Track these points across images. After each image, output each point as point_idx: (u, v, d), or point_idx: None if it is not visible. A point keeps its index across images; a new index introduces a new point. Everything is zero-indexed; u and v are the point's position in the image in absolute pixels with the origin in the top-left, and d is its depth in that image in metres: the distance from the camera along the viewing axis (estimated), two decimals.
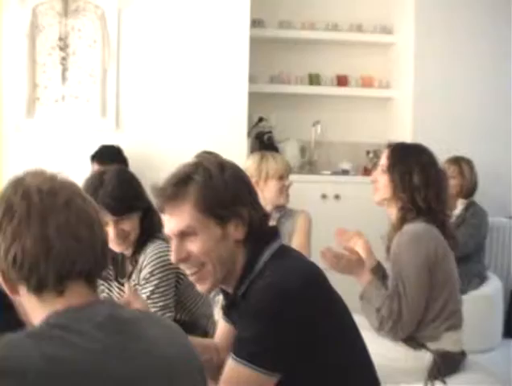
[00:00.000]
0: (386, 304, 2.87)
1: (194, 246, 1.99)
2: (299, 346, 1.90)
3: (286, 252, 2.08)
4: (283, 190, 4.07)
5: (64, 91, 5.36)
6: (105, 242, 1.56)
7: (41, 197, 1.48)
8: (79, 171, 5.07)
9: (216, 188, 1.98)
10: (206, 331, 2.99)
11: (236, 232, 2.00)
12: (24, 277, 1.48)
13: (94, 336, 1.43)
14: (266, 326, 1.89)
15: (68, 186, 1.54)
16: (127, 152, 5.18)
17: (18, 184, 1.52)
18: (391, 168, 3.03)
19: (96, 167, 5.05)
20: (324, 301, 1.99)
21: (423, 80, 5.81)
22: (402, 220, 2.98)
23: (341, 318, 2.06)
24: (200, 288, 2.08)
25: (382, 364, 2.37)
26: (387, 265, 3.10)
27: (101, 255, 1.53)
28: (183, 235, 2.00)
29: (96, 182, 2.84)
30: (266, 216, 2.09)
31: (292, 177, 4.30)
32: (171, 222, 2.01)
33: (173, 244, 2.03)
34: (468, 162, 5.15)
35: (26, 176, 1.54)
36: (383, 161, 3.10)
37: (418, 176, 2.97)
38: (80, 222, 1.49)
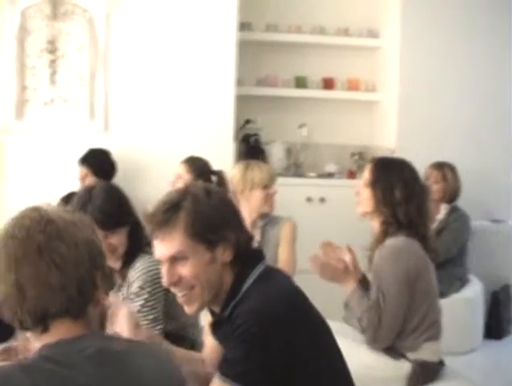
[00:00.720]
0: (365, 315, 2.97)
1: (185, 270, 2.09)
2: (281, 366, 1.99)
3: (270, 273, 2.17)
4: (268, 199, 4.13)
5: (53, 93, 5.41)
6: (82, 279, 1.62)
7: (16, 245, 1.57)
8: (67, 174, 5.22)
9: (205, 214, 2.07)
10: (194, 340, 3.07)
11: (224, 255, 2.09)
12: (8, 318, 1.57)
13: (84, 369, 1.52)
14: (250, 348, 1.98)
15: (46, 229, 1.60)
16: (115, 155, 5.25)
17: (2, 232, 1.60)
18: (374, 183, 3.11)
19: (84, 170, 5.11)
20: (305, 323, 2.09)
21: (408, 83, 5.87)
22: (384, 234, 3.07)
23: (320, 335, 2.17)
24: (188, 309, 2.18)
25: (362, 373, 2.47)
26: (369, 276, 3.18)
27: (76, 294, 1.60)
28: (174, 259, 2.09)
29: (85, 198, 2.92)
30: (250, 239, 2.18)
31: (278, 180, 4.38)
32: (163, 247, 2.11)
33: (164, 268, 2.13)
34: (452, 168, 5.23)
35: (11, 221, 1.62)
36: (366, 175, 3.18)
37: (400, 191, 3.05)
38: (51, 268, 1.57)
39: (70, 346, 1.56)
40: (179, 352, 2.38)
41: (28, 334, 1.65)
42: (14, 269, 1.56)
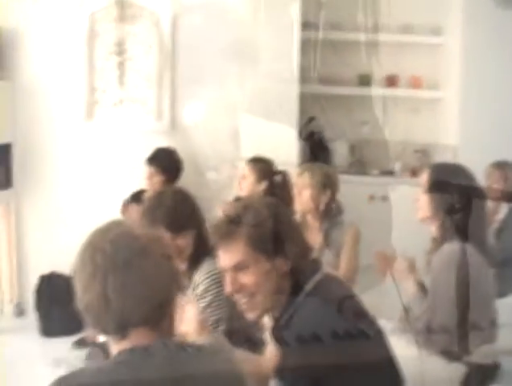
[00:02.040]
0: (421, 318, 3.05)
1: (246, 279, 2.25)
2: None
3: (326, 284, 2.28)
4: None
5: (122, 94, 5.58)
6: (162, 293, 1.77)
7: (104, 258, 1.70)
8: (135, 173, 5.38)
9: (265, 227, 2.19)
10: (258, 340, 3.19)
11: (282, 265, 2.22)
12: (92, 324, 1.72)
13: (152, 375, 1.67)
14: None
15: (131, 246, 1.74)
16: (181, 154, 5.38)
17: (89, 242, 1.74)
18: (431, 189, 3.18)
19: (151, 170, 5.26)
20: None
21: (471, 81, 5.85)
22: (442, 238, 3.15)
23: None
24: (249, 316, 2.32)
25: (415, 374, 2.55)
26: (427, 279, 3.26)
27: (157, 306, 1.75)
28: (236, 269, 2.25)
29: (154, 202, 3.07)
30: (309, 249, 2.31)
31: (341, 178, 4.47)
32: (225, 257, 2.27)
33: (227, 276, 2.29)
34: None
35: (96, 234, 1.76)
36: (424, 181, 3.25)
37: (456, 197, 3.12)
38: (136, 282, 1.71)
39: (141, 354, 1.71)
40: (241, 354, 2.52)
41: (107, 338, 1.80)
42: (100, 281, 1.70)
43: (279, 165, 4.79)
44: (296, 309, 2.21)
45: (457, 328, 3.04)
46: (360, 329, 2.25)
